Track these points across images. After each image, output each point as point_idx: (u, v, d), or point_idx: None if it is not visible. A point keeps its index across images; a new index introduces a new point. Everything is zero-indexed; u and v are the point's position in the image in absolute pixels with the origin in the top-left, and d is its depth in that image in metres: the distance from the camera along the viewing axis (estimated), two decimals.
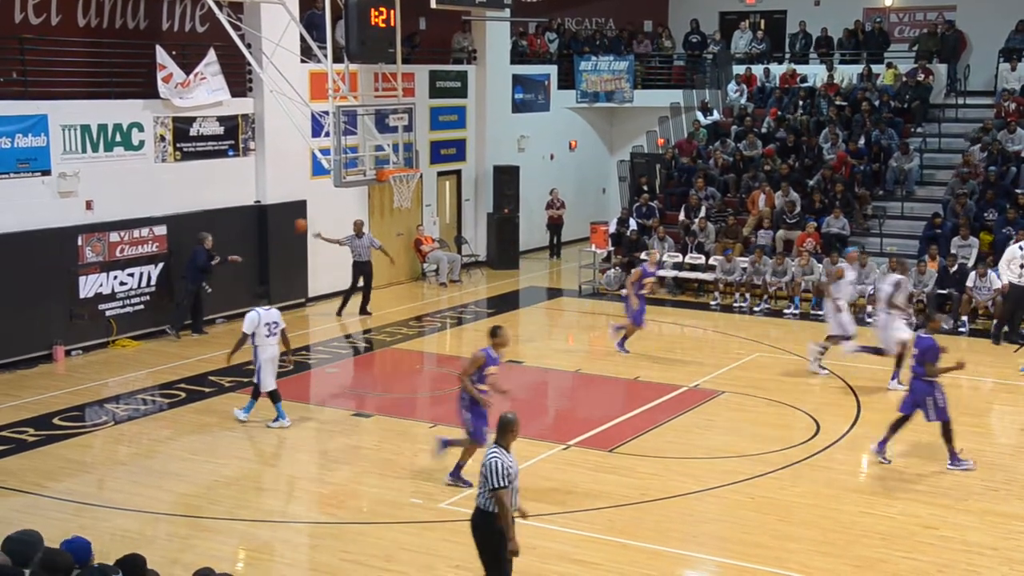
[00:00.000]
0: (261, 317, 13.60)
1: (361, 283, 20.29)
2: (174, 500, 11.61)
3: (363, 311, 20.21)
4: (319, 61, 17.22)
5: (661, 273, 22.15)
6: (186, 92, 18.48)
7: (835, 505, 11.38)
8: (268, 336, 13.64)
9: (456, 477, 11.78)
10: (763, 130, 25.55)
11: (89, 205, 17.31)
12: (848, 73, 26.88)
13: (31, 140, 16.45)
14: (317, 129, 18.15)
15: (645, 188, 24.64)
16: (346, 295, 20.34)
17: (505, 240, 25.01)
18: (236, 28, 17.13)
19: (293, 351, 14.63)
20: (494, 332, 11.61)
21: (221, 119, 19.28)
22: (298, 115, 17.51)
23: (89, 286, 17.28)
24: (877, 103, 25.06)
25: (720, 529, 10.98)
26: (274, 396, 13.80)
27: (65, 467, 12.50)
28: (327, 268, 21.29)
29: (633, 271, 18.11)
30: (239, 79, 19.77)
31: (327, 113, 16.67)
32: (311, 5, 20.19)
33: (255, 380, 13.82)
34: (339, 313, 20.14)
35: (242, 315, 14.13)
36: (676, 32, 30.42)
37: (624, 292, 18.25)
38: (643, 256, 19.52)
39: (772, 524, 10.90)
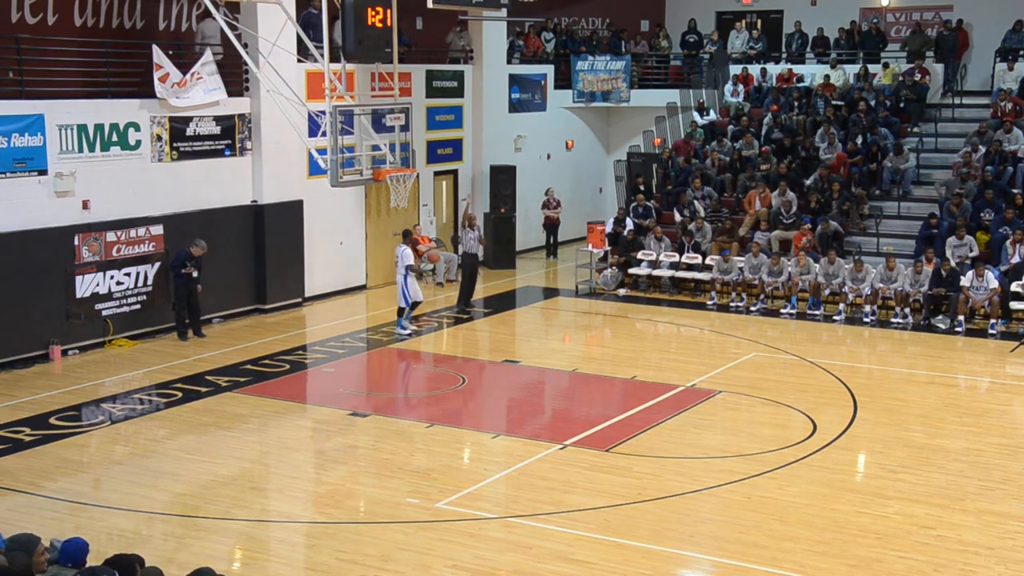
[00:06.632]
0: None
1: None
2: (170, 500, 11.61)
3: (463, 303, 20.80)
4: (316, 61, 17.20)
5: (657, 273, 22.22)
6: (183, 92, 18.47)
7: (831, 505, 11.39)
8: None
9: None
10: (760, 129, 25.55)
11: (86, 205, 17.29)
12: (845, 73, 26.90)
13: (27, 140, 16.43)
14: (314, 129, 18.13)
15: (642, 188, 24.66)
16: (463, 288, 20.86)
17: (502, 240, 25.00)
18: (233, 28, 17.13)
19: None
20: None
21: (218, 119, 19.26)
22: (295, 115, 17.49)
23: (86, 286, 17.26)
24: (873, 103, 25.08)
25: (716, 529, 10.98)
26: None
27: (61, 467, 12.49)
28: (324, 268, 21.32)
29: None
30: (236, 79, 19.76)
31: (324, 113, 16.65)
32: (307, 5, 20.21)
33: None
34: (458, 306, 20.63)
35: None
36: (673, 32, 30.43)
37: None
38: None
39: (768, 524, 10.90)
